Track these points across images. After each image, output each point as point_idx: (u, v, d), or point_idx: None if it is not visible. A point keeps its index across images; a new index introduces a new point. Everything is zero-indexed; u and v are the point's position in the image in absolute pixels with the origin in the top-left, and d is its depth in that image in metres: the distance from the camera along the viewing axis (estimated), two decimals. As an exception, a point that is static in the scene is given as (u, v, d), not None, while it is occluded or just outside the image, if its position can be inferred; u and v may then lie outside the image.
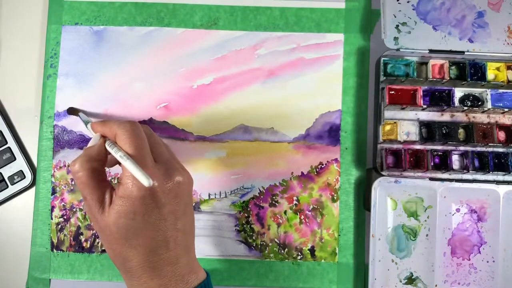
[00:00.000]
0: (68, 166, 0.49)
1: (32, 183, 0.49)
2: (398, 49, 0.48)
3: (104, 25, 0.50)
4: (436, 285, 0.47)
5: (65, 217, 0.48)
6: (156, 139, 0.37)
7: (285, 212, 0.48)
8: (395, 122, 0.48)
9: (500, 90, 0.48)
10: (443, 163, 0.48)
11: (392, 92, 0.48)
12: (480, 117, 0.49)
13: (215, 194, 0.49)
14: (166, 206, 0.34)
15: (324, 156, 0.49)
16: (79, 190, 0.37)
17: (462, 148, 0.48)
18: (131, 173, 0.32)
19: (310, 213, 0.48)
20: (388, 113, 0.49)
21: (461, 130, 0.49)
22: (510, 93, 0.48)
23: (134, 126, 0.35)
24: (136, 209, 0.33)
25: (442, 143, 0.47)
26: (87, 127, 0.41)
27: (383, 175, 0.47)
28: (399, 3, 0.48)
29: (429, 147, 0.48)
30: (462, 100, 0.49)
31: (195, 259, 0.37)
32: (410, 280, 0.47)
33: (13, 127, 0.50)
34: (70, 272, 0.48)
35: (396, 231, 0.48)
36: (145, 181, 0.31)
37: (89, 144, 0.37)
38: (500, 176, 0.48)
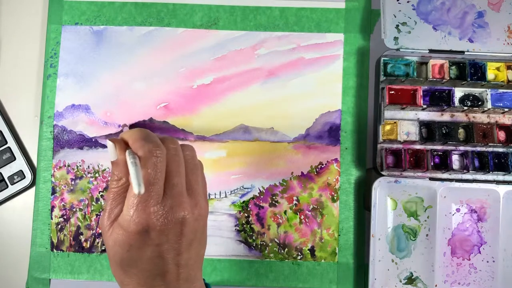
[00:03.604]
0: (68, 166, 0.49)
1: (32, 183, 0.49)
2: (398, 49, 0.48)
3: (104, 25, 0.50)
4: (436, 285, 0.47)
5: (65, 217, 0.48)
6: (179, 165, 0.33)
7: (285, 212, 0.48)
8: (395, 122, 0.48)
9: (500, 90, 0.48)
10: (443, 163, 0.48)
11: (392, 92, 0.48)
12: (480, 117, 0.49)
13: (215, 194, 0.49)
14: (165, 243, 0.32)
15: (324, 156, 0.49)
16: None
17: (462, 148, 0.48)
18: (132, 204, 0.30)
19: (310, 213, 0.48)
20: (388, 113, 0.49)
21: (461, 130, 0.49)
22: (510, 93, 0.48)
23: (153, 154, 0.31)
24: (132, 242, 0.31)
25: (442, 143, 0.47)
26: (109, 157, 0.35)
27: (383, 175, 0.47)
28: (399, 3, 0.48)
29: (429, 147, 0.48)
30: (462, 100, 0.49)
31: (199, 286, 0.35)
32: (410, 280, 0.47)
33: (13, 127, 0.50)
34: (70, 272, 0.48)
35: (396, 231, 0.48)
36: (136, 188, 0.29)
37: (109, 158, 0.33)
38: (500, 176, 0.48)
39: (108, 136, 0.49)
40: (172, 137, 0.34)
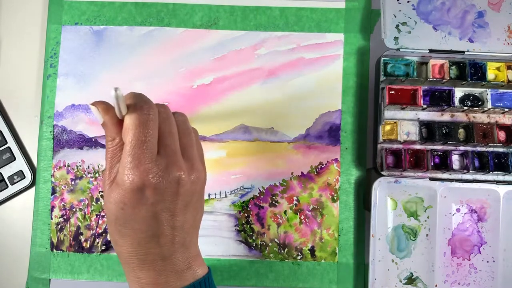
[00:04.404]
0: (68, 166, 0.49)
1: (32, 183, 0.49)
2: (398, 49, 0.48)
3: (104, 25, 0.50)
4: (436, 285, 0.47)
5: (65, 217, 0.48)
6: (171, 126, 0.33)
7: (285, 212, 0.48)
8: (395, 122, 0.48)
9: (500, 90, 0.48)
10: (443, 163, 0.48)
11: (392, 92, 0.48)
12: (480, 117, 0.49)
13: (215, 194, 0.49)
14: (160, 203, 0.32)
15: (324, 156, 0.49)
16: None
17: (462, 148, 0.48)
18: (126, 163, 0.31)
19: (310, 213, 0.48)
20: (388, 113, 0.49)
21: (461, 130, 0.48)
22: (510, 93, 0.48)
23: (145, 111, 0.31)
24: (126, 200, 0.31)
25: (442, 143, 0.47)
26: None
27: (383, 175, 0.47)
28: (399, 3, 0.48)
29: (429, 147, 0.48)
30: (462, 100, 0.49)
31: (196, 256, 0.35)
32: (410, 280, 0.47)
33: (13, 127, 0.50)
34: (70, 272, 0.48)
35: (396, 231, 0.48)
36: (111, 91, 0.29)
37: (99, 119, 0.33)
38: (500, 176, 0.48)
39: None
40: (163, 103, 0.35)
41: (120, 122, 0.32)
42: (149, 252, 0.33)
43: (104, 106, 0.32)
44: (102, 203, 0.49)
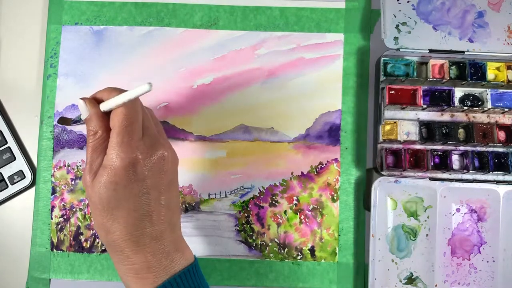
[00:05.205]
0: (68, 166, 0.49)
1: (32, 183, 0.49)
2: (398, 49, 0.48)
3: (104, 25, 0.50)
4: (436, 285, 0.47)
5: (65, 217, 0.48)
6: (146, 112, 0.37)
7: (285, 212, 0.48)
8: (395, 122, 0.48)
9: (500, 90, 0.48)
10: (443, 163, 0.48)
11: (392, 92, 0.48)
12: (480, 117, 0.49)
13: (215, 194, 0.49)
14: (149, 179, 0.34)
15: (324, 156, 0.49)
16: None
17: (462, 148, 0.48)
18: (116, 143, 0.33)
19: (310, 213, 0.48)
20: (388, 113, 0.49)
21: (461, 130, 0.49)
22: (510, 93, 0.48)
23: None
24: (118, 180, 0.33)
25: (442, 143, 0.47)
26: (81, 116, 0.37)
27: (383, 175, 0.47)
28: (399, 3, 0.48)
29: (429, 147, 0.48)
30: (462, 100, 0.49)
31: (181, 238, 0.37)
32: (410, 280, 0.47)
33: (13, 127, 0.50)
34: (70, 272, 0.48)
35: (396, 231, 0.48)
36: (147, 86, 0.31)
37: (83, 117, 0.36)
38: (500, 176, 0.48)
39: None
40: None
41: (104, 116, 0.34)
42: (143, 233, 0.34)
43: (91, 100, 0.35)
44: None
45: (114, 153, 0.33)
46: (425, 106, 0.48)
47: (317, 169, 0.49)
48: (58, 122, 0.40)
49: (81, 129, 0.49)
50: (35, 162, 0.49)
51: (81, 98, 0.35)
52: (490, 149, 0.48)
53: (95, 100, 0.35)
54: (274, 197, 0.49)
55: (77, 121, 0.39)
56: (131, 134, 0.33)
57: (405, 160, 0.47)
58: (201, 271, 0.37)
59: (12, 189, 0.48)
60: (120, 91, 0.35)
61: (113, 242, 0.34)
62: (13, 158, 0.48)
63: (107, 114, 0.35)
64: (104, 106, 0.35)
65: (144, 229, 0.34)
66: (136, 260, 0.34)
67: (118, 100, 0.33)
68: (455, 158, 0.48)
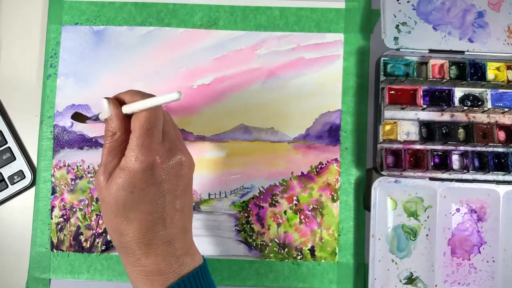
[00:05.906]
0: (68, 166, 0.49)
1: (32, 183, 0.49)
2: (398, 49, 0.48)
3: (104, 25, 0.50)
4: (436, 285, 0.47)
5: (65, 217, 0.48)
6: (166, 116, 0.36)
7: (285, 212, 0.48)
8: (395, 122, 0.48)
9: (500, 90, 0.48)
10: (443, 163, 0.48)
11: (392, 92, 0.48)
12: (480, 117, 0.49)
13: (215, 194, 0.49)
14: (166, 183, 0.34)
15: (324, 156, 0.49)
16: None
17: (462, 148, 0.48)
18: (136, 145, 0.32)
19: (310, 213, 0.48)
20: (388, 113, 0.49)
21: (461, 130, 0.49)
22: (510, 93, 0.48)
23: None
24: (136, 182, 0.32)
25: (442, 143, 0.47)
26: (101, 115, 0.37)
27: (383, 175, 0.47)
28: (399, 3, 0.48)
29: (429, 147, 0.48)
30: (462, 100, 0.49)
31: (192, 243, 0.37)
32: (410, 280, 0.47)
33: (13, 127, 0.50)
34: (70, 272, 0.48)
35: (396, 231, 0.48)
36: (176, 94, 0.30)
37: (102, 117, 0.35)
38: (500, 176, 0.48)
39: None
40: None
41: (124, 118, 0.34)
42: (155, 236, 0.34)
43: (115, 101, 0.34)
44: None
45: (133, 156, 0.32)
46: (425, 106, 0.48)
47: (317, 169, 0.49)
48: (72, 117, 0.40)
49: (81, 129, 0.49)
50: (35, 162, 0.49)
51: (105, 98, 0.34)
52: (490, 149, 0.48)
53: (119, 101, 0.35)
54: (274, 197, 0.49)
55: (95, 119, 0.38)
56: (151, 138, 0.33)
57: (405, 160, 0.47)
58: (209, 273, 0.37)
59: (12, 189, 0.48)
60: (143, 94, 0.34)
61: (125, 244, 0.34)
62: (13, 158, 0.48)
63: (127, 116, 0.34)
64: (127, 109, 0.34)
65: (157, 233, 0.34)
66: (146, 263, 0.34)
67: (144, 104, 0.33)
68: (455, 158, 0.48)
